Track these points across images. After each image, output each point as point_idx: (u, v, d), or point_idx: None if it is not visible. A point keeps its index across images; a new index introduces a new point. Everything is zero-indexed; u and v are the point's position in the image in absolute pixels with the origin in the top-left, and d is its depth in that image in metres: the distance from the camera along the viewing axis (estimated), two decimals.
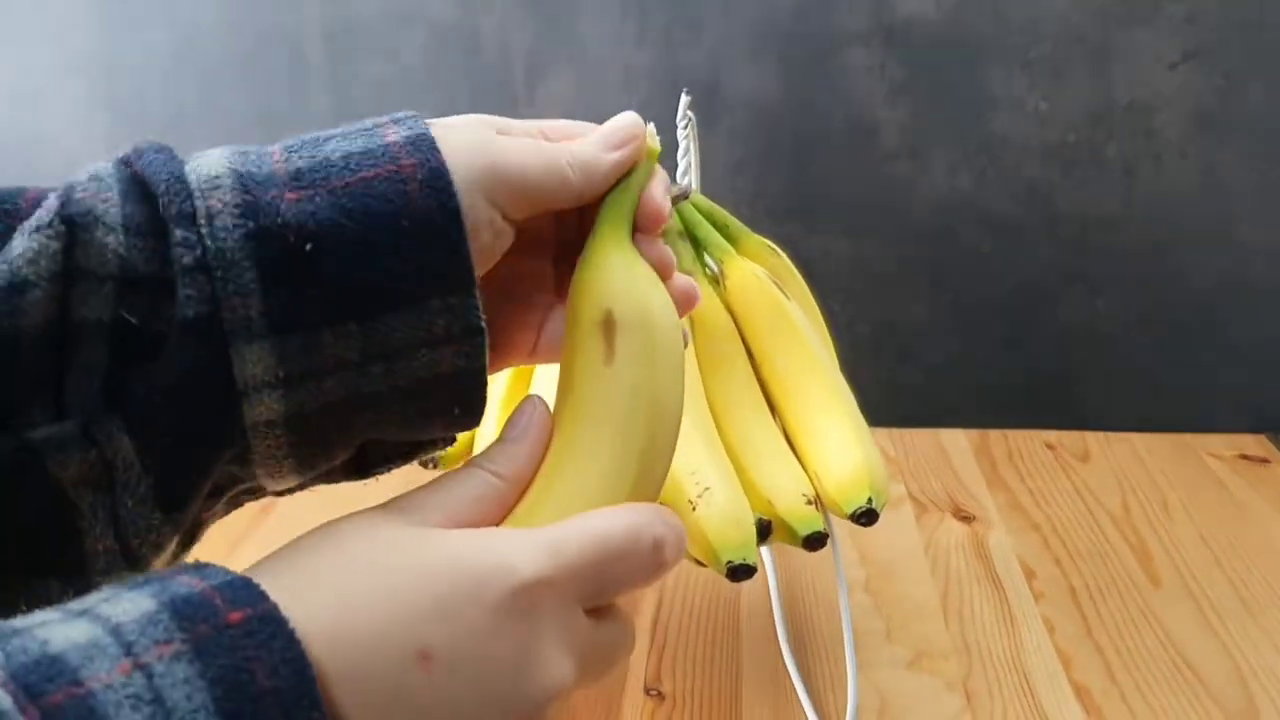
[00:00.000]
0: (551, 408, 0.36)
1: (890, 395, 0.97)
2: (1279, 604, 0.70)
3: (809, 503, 0.53)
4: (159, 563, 0.32)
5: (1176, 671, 0.64)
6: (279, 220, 0.31)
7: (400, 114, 0.35)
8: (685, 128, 0.63)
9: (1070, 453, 0.89)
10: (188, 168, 0.32)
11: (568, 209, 0.38)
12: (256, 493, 0.36)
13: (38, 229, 0.30)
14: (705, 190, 0.65)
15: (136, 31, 0.95)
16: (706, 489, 0.51)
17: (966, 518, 0.80)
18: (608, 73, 0.91)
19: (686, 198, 0.60)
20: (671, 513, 0.34)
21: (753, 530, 0.52)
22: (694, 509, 0.51)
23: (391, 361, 0.33)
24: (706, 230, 0.60)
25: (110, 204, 0.31)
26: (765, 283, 0.59)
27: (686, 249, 0.60)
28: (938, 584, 0.73)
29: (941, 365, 0.98)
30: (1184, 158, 0.90)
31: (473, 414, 0.36)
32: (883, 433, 0.91)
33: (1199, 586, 0.72)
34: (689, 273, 0.59)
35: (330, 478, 0.37)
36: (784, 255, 0.63)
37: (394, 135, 0.33)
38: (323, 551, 0.30)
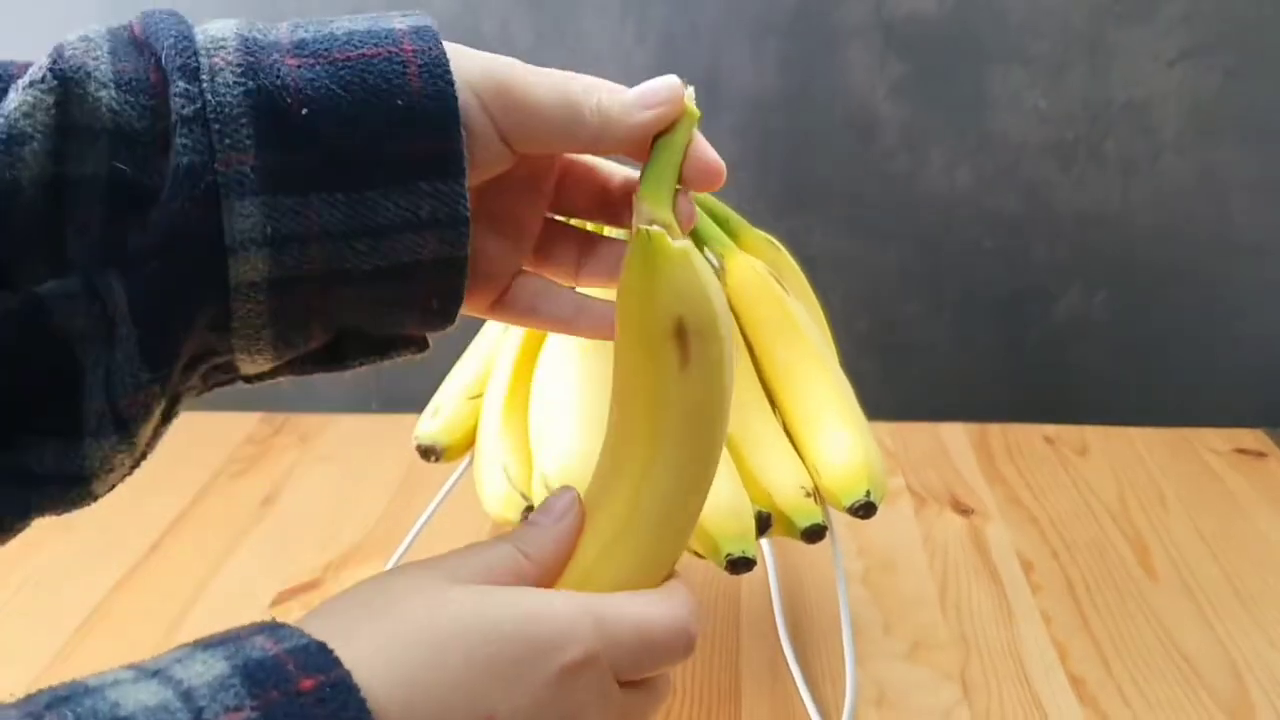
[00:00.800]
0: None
1: (890, 389, 0.98)
2: (1273, 597, 0.71)
3: (808, 495, 0.53)
4: (144, 433, 0.33)
5: (1171, 664, 0.65)
6: (279, 82, 0.31)
7: (410, 11, 0.35)
8: None
9: (1069, 447, 0.90)
10: (196, 30, 0.33)
11: (580, 155, 0.38)
12: (230, 372, 0.36)
13: (31, 84, 0.30)
14: None
15: None
16: None
17: (965, 511, 0.81)
18: (608, 70, 0.91)
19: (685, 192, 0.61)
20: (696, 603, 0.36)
21: (752, 522, 0.52)
22: None
23: (376, 239, 0.33)
24: (706, 224, 0.60)
25: (100, 60, 0.31)
26: (765, 277, 0.59)
27: None
28: (936, 576, 0.73)
29: (940, 360, 0.99)
30: (1181, 155, 0.91)
31: (449, 309, 0.36)
32: (882, 426, 0.92)
33: (1195, 580, 0.73)
34: None
35: (304, 368, 0.37)
36: (784, 250, 0.63)
37: (400, 24, 0.34)
38: (392, 614, 0.30)
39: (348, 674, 0.27)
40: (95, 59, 0.31)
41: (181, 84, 0.31)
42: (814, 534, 0.53)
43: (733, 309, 0.60)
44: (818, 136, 0.93)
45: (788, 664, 0.64)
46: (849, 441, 0.54)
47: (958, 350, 0.98)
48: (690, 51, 0.91)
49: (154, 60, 0.32)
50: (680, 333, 0.34)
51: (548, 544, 0.35)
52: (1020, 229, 0.94)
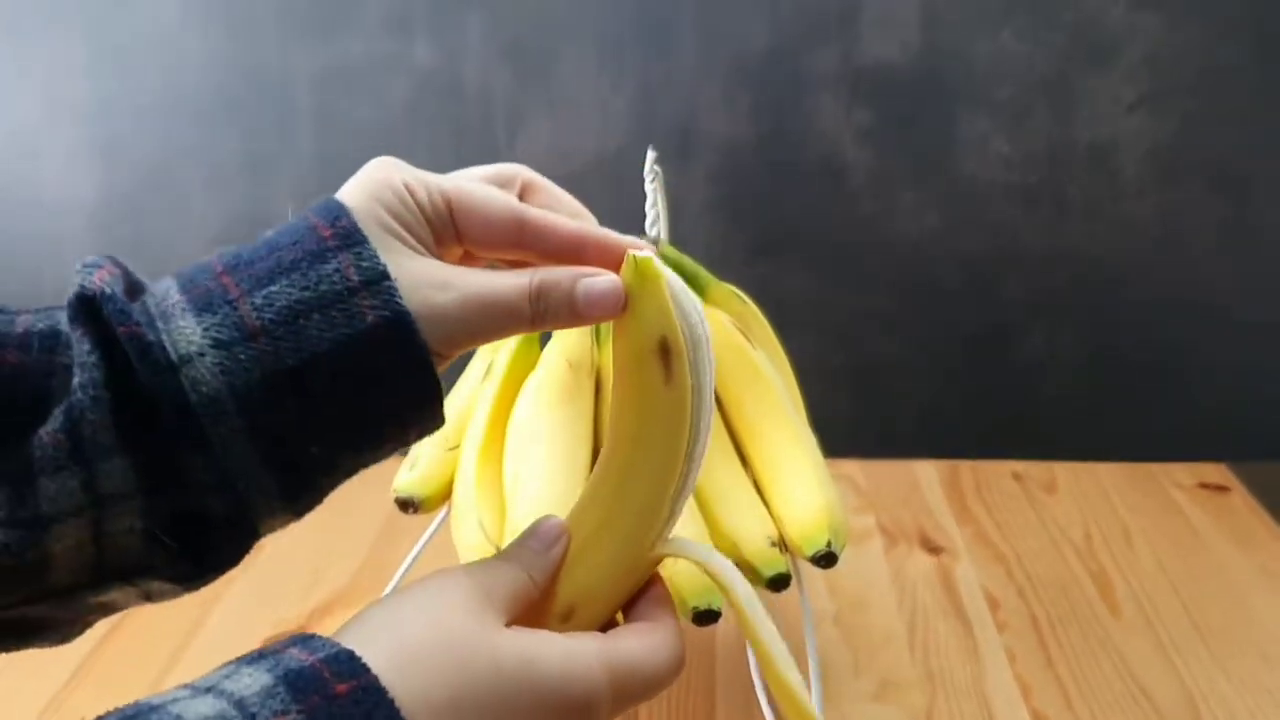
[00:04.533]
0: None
1: (862, 427, 1.00)
2: (1232, 631, 0.73)
3: (773, 545, 0.55)
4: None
5: (1131, 700, 0.67)
6: (279, 435, 0.35)
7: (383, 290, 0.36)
8: (652, 181, 0.66)
9: (1037, 483, 0.92)
10: (181, 377, 0.34)
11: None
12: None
13: (57, 470, 0.34)
14: (681, 228, 0.67)
15: (127, 76, 0.98)
16: (674, 537, 0.53)
17: (934, 549, 0.83)
18: (586, 118, 0.94)
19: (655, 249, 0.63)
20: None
21: None
22: None
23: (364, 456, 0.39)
24: None
25: (106, 428, 0.34)
26: (732, 331, 0.61)
27: None
28: (904, 616, 0.75)
29: (911, 398, 1.01)
30: (1142, 197, 0.93)
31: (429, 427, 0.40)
32: (854, 464, 0.94)
33: (1157, 616, 0.75)
34: None
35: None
36: (750, 302, 0.65)
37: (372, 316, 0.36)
38: (433, 646, 0.33)
39: (375, 679, 0.31)
40: (106, 428, 0.34)
41: (199, 459, 0.35)
42: (779, 583, 0.55)
43: None
44: (789, 181, 0.95)
45: (760, 704, 0.66)
46: (811, 493, 0.56)
47: (928, 387, 1.00)
48: (665, 100, 0.93)
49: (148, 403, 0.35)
50: (664, 350, 0.38)
51: (546, 568, 0.39)
52: (987, 270, 0.96)
